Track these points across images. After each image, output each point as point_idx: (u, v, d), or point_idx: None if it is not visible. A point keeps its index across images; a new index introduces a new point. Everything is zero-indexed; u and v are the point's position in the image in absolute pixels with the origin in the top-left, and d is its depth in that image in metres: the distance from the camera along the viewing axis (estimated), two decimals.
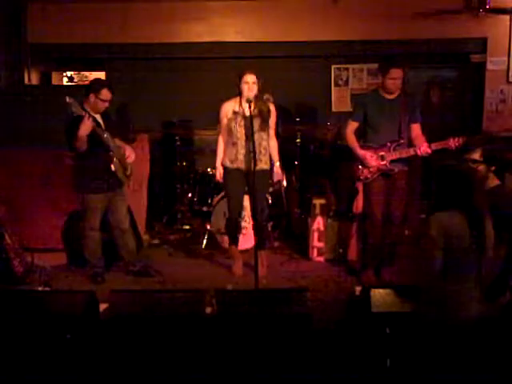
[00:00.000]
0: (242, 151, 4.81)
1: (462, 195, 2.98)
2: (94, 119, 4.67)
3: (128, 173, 5.00)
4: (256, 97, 4.71)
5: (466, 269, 2.93)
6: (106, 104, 4.77)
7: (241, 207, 5.09)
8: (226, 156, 4.93)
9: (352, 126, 4.86)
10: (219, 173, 5.02)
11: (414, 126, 4.76)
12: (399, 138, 4.71)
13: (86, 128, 4.48)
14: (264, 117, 4.82)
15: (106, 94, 4.72)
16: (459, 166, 3.13)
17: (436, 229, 2.94)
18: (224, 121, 4.91)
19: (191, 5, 6.69)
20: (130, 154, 4.98)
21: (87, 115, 4.51)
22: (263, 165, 4.84)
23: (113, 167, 4.78)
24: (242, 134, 4.79)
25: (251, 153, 4.60)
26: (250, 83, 4.71)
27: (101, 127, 4.76)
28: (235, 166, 4.86)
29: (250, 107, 4.56)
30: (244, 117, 4.77)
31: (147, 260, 5.32)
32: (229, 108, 4.88)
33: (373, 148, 4.76)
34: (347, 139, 4.88)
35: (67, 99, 4.38)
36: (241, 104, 4.79)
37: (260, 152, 4.79)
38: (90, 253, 4.99)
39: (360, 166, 4.79)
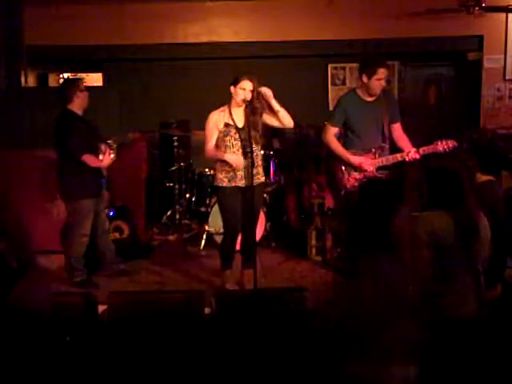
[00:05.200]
0: (240, 166, 4.39)
1: (450, 195, 2.99)
2: (81, 118, 4.73)
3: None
4: (249, 106, 4.36)
5: (456, 268, 2.94)
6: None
7: (239, 229, 4.56)
8: (222, 174, 4.47)
9: (332, 131, 4.64)
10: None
11: (395, 127, 4.62)
12: (383, 143, 4.57)
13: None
14: (257, 127, 4.41)
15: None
16: (448, 165, 3.12)
17: (423, 228, 2.95)
18: (215, 133, 4.44)
19: (188, 6, 6.71)
20: (106, 150, 4.70)
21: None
22: (260, 177, 4.52)
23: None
24: (239, 147, 4.38)
25: (249, 167, 4.27)
26: (246, 90, 4.31)
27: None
28: (233, 184, 4.43)
29: (246, 107, 4.30)
30: (237, 128, 4.39)
31: (124, 263, 5.24)
32: (219, 119, 4.42)
33: (357, 154, 4.58)
34: (331, 146, 4.64)
35: None
36: (231, 114, 4.41)
37: (258, 164, 4.44)
38: (78, 259, 4.84)
39: (346, 175, 4.64)
